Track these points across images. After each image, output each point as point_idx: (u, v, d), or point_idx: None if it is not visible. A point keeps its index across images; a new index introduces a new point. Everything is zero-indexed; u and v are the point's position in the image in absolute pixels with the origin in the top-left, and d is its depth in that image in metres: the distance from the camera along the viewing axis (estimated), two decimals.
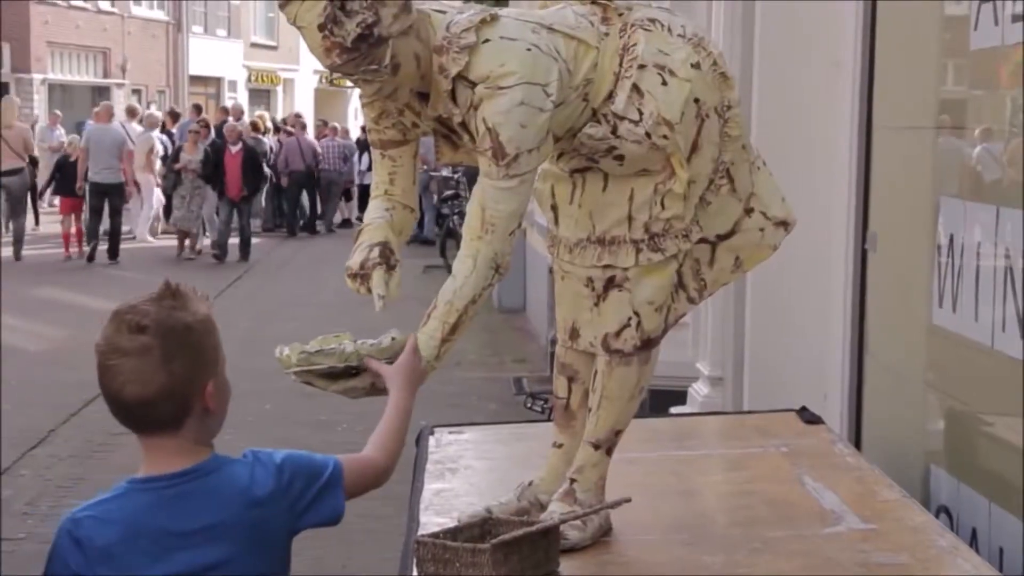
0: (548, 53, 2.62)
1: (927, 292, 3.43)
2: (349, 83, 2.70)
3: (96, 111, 18.27)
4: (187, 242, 17.43)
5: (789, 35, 4.99)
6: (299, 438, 7.69)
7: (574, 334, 2.89)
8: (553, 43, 2.65)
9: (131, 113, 20.12)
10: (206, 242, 17.89)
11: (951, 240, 3.32)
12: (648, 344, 2.81)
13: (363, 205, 21.91)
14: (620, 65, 2.70)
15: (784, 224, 2.91)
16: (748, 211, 2.87)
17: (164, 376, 2.04)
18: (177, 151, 17.64)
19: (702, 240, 2.84)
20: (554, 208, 2.88)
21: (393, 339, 2.53)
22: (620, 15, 2.76)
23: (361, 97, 2.77)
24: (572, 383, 2.92)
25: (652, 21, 2.74)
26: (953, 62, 3.54)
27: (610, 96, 2.70)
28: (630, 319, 2.78)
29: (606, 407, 2.82)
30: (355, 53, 2.48)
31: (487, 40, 2.59)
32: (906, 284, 3.73)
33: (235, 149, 17.25)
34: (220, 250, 17.02)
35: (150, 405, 2.06)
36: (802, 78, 4.79)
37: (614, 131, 2.69)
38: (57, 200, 18.24)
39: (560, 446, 2.94)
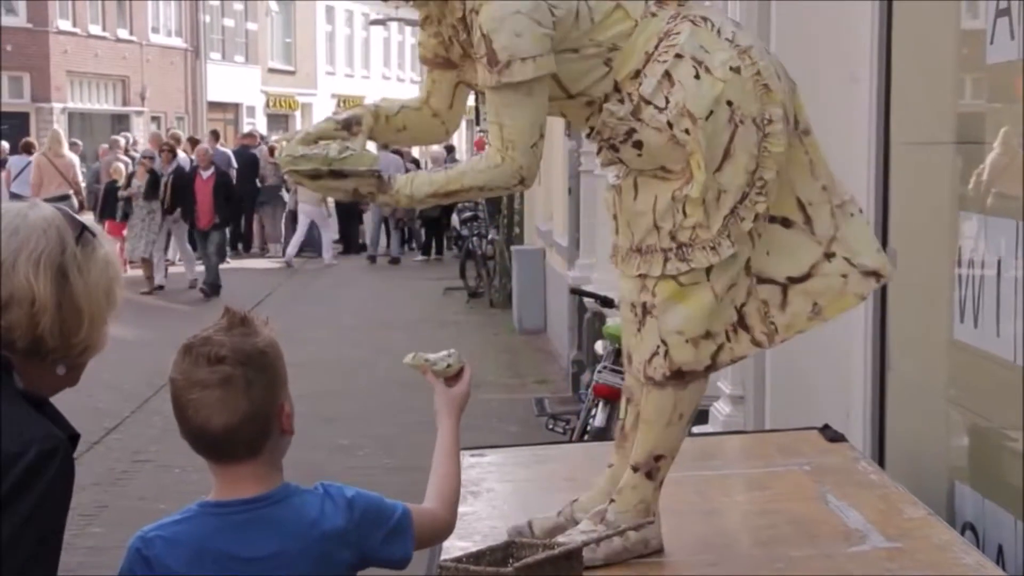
0: None
1: (948, 307, 3.42)
2: None
3: (154, 136, 19.30)
4: (148, 274, 16.33)
5: (804, 52, 4.98)
6: (319, 463, 7.69)
7: (629, 359, 2.89)
8: None
9: (176, 142, 20.37)
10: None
11: (971, 255, 3.31)
12: (680, 375, 2.74)
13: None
14: (656, 48, 2.68)
15: (876, 275, 2.81)
16: (828, 255, 2.77)
17: (247, 403, 2.08)
18: (129, 178, 16.55)
19: (770, 281, 2.76)
20: (615, 218, 2.87)
21: (449, 366, 2.47)
22: (680, 4, 2.74)
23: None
24: (629, 405, 2.91)
25: (704, 19, 2.71)
26: (970, 76, 3.53)
27: (637, 75, 2.68)
28: (658, 347, 2.73)
29: (644, 430, 2.80)
30: None
31: None
32: (927, 300, 3.71)
33: (207, 175, 16.27)
34: (209, 287, 16.08)
35: (235, 433, 2.09)
36: (818, 95, 4.76)
37: (636, 113, 2.68)
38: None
39: (611, 466, 2.94)
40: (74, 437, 1.94)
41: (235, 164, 20.17)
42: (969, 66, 3.50)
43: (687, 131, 2.64)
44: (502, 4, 2.60)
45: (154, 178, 16.06)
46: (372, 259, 21.03)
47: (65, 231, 1.98)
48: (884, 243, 4.00)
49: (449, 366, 2.45)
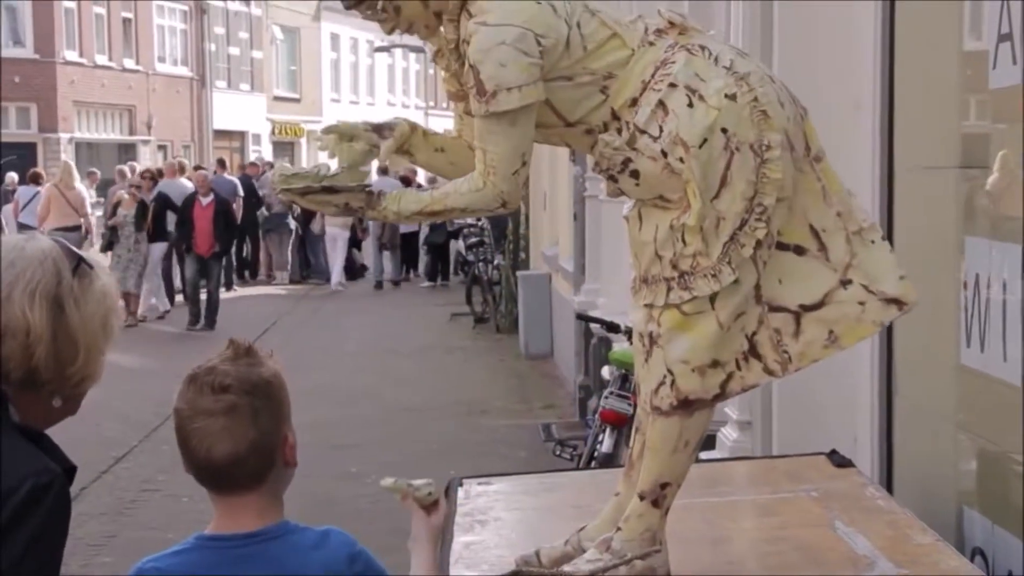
0: (562, 16, 2.67)
1: (954, 332, 3.42)
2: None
3: (168, 166, 19.76)
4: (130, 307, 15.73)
5: (808, 79, 5.00)
6: (328, 491, 7.68)
7: (638, 389, 2.90)
8: (578, 16, 2.70)
9: (180, 169, 20.56)
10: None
11: (976, 280, 3.31)
12: (687, 404, 2.72)
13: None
14: (652, 76, 2.69)
15: (897, 302, 2.76)
16: (844, 283, 2.74)
17: (253, 432, 2.09)
18: (115, 206, 15.99)
19: (783, 309, 2.74)
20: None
21: (430, 493, 2.42)
22: (681, 34, 2.75)
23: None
24: (637, 434, 2.91)
25: (702, 48, 2.71)
26: (975, 98, 3.54)
27: (634, 103, 2.69)
28: (665, 377, 2.72)
29: (649, 458, 2.79)
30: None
31: None
32: (933, 324, 3.71)
33: (206, 201, 15.94)
34: (193, 317, 15.78)
35: (240, 462, 2.10)
36: (822, 121, 4.77)
37: (631, 142, 2.68)
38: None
39: (617, 495, 2.94)
40: (70, 469, 1.94)
41: (241, 192, 20.28)
42: (972, 89, 3.51)
43: (681, 160, 2.63)
44: (487, 35, 2.64)
45: (143, 208, 15.75)
46: (379, 285, 21.09)
47: (62, 263, 1.99)
48: None
49: (430, 494, 2.41)
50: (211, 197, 16.13)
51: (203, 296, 16.16)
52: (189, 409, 2.10)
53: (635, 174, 2.70)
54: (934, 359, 3.74)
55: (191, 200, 16.12)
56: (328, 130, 2.87)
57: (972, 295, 3.32)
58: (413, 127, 2.93)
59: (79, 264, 2.01)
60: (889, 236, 3.99)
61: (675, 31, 2.75)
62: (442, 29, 2.80)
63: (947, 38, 3.62)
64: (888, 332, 4.00)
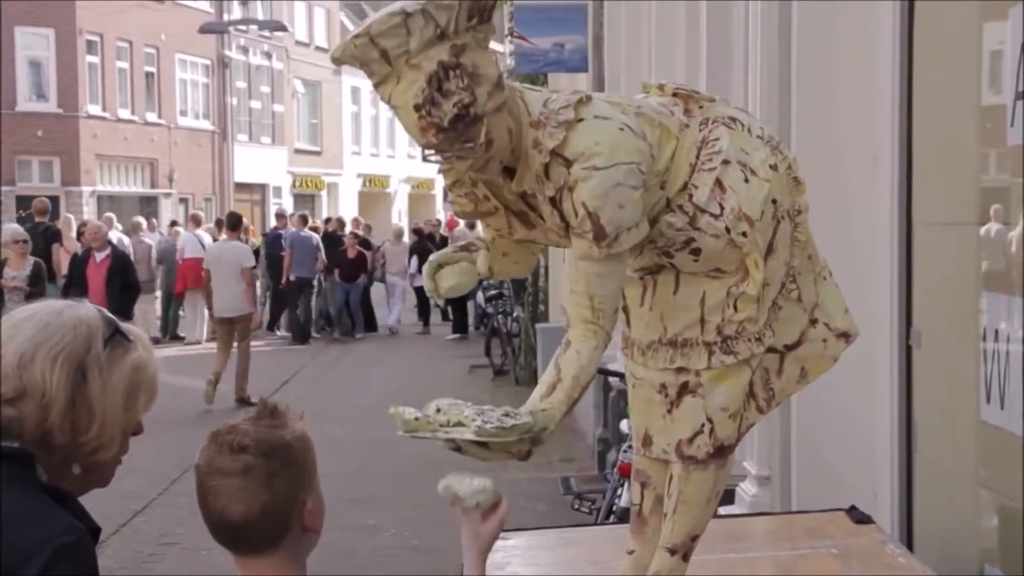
0: (640, 136, 2.64)
1: (974, 388, 3.41)
2: (435, 159, 2.61)
3: (293, 219, 21.89)
4: None
5: (826, 134, 5.02)
6: (347, 544, 7.66)
7: (647, 441, 2.87)
8: (640, 126, 2.67)
9: (196, 222, 20.70)
10: None
11: (996, 335, 3.30)
12: (721, 451, 2.77)
13: (421, 308, 22.47)
14: (697, 157, 2.70)
15: (846, 336, 2.89)
16: (813, 321, 2.86)
17: (266, 495, 2.08)
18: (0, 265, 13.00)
19: (771, 350, 2.82)
20: (625, 310, 2.88)
21: (478, 504, 2.45)
22: (700, 107, 2.77)
23: (441, 165, 2.69)
24: (645, 489, 2.90)
25: (734, 120, 2.75)
26: (993, 152, 3.55)
27: (685, 187, 2.69)
28: (703, 425, 2.75)
29: (683, 512, 2.79)
30: (451, 132, 2.47)
31: (582, 119, 2.59)
32: (952, 380, 3.70)
33: (101, 257, 13.66)
34: None
35: (252, 525, 2.08)
36: (840, 176, 4.80)
37: (693, 222, 2.69)
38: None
39: (631, 552, 2.92)
40: (94, 531, 1.95)
41: (321, 246, 20.70)
42: (990, 144, 3.52)
43: (744, 234, 2.67)
44: (603, 179, 2.54)
45: (39, 268, 13.07)
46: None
47: (95, 331, 2.01)
48: (908, 324, 4.00)
49: (478, 504, 2.41)
50: (107, 252, 13.83)
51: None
52: (207, 466, 2.11)
53: (696, 251, 2.71)
54: (954, 415, 3.73)
55: (85, 256, 13.89)
56: (432, 269, 2.95)
57: (991, 351, 3.32)
58: (487, 243, 2.95)
59: (114, 335, 2.02)
60: (908, 291, 4.01)
61: (693, 104, 2.78)
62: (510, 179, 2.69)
63: (965, 93, 3.64)
64: (908, 388, 4.00)
